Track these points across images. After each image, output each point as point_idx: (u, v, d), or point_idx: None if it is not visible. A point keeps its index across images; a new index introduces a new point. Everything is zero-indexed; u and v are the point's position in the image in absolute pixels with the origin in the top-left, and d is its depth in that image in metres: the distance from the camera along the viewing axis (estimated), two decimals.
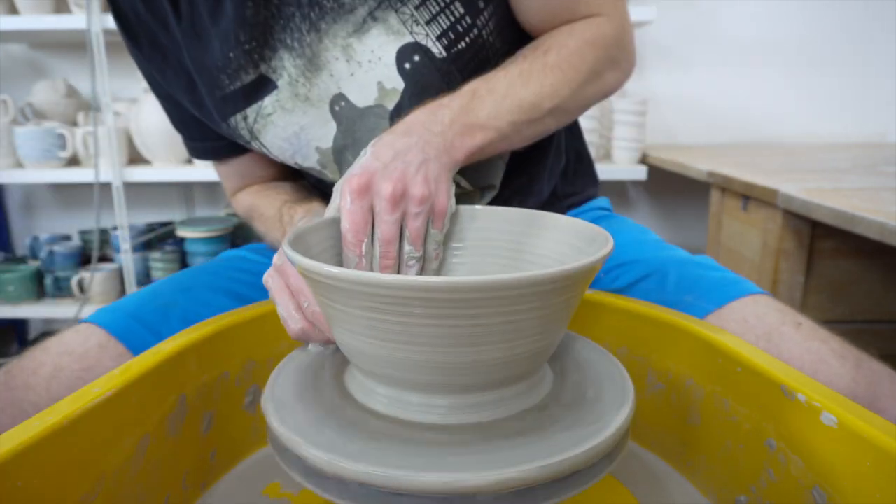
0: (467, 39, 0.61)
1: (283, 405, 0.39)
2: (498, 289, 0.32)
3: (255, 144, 0.66)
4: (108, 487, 0.40)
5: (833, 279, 1.13)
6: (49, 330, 2.08)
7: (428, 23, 0.59)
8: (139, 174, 1.68)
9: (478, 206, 0.52)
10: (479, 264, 0.51)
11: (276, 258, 0.47)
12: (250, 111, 0.64)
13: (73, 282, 1.73)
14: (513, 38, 0.65)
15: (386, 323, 0.34)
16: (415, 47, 0.60)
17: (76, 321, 1.70)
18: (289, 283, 0.45)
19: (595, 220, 0.77)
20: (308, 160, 0.66)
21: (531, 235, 0.49)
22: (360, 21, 0.59)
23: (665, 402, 0.54)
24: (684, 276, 0.62)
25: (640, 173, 1.67)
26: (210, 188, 2.02)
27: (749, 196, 1.21)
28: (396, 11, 0.59)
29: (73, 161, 1.74)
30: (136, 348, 0.57)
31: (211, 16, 0.61)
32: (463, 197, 0.69)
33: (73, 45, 1.84)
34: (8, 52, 1.93)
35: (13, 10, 1.66)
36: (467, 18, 0.60)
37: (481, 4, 0.60)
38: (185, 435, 0.49)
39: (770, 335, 0.54)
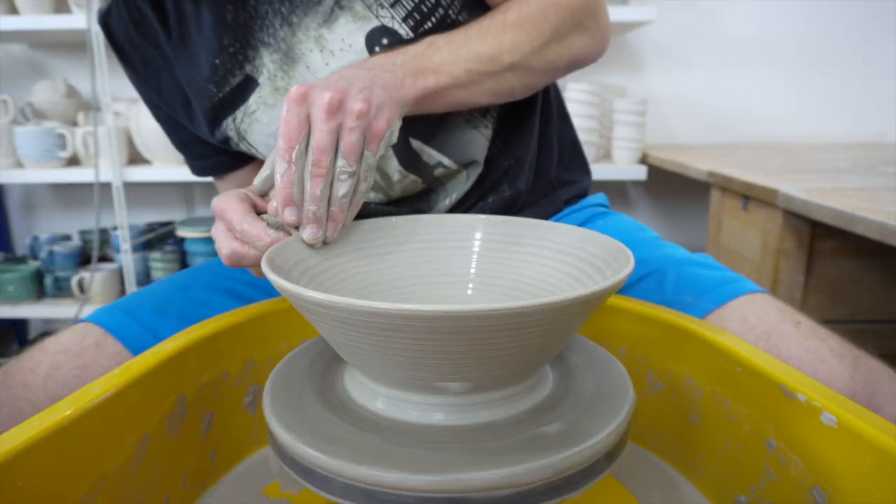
0: (433, 19, 0.61)
1: (283, 406, 0.39)
2: (505, 317, 0.31)
3: (243, 146, 0.67)
4: (108, 487, 0.40)
5: (833, 279, 1.13)
6: (49, 330, 2.08)
7: (392, 5, 0.60)
8: (139, 174, 1.68)
9: (481, 216, 0.52)
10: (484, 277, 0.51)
11: (213, 203, 0.48)
12: (238, 112, 0.65)
13: (73, 282, 1.73)
14: (481, 14, 0.64)
15: (385, 342, 0.34)
16: (382, 30, 0.60)
17: (76, 321, 1.70)
18: (223, 218, 0.46)
19: (592, 217, 0.77)
20: None
21: (538, 252, 0.49)
22: (328, 11, 0.60)
23: (665, 402, 0.54)
24: (683, 275, 0.62)
25: (640, 173, 1.67)
26: (210, 188, 2.02)
27: (749, 196, 1.21)
28: None
29: (73, 161, 1.74)
30: (133, 346, 0.57)
31: (197, 26, 0.63)
32: (448, 175, 0.69)
33: (73, 45, 1.84)
34: (8, 52, 1.93)
35: (13, 10, 1.66)
36: None
37: None
38: (185, 435, 0.48)
39: (769, 334, 0.54)
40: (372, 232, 0.50)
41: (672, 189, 1.96)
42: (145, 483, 0.44)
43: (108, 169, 1.65)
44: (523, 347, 0.34)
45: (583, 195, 0.81)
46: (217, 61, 0.63)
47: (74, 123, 1.78)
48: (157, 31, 0.65)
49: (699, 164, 1.42)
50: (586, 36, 0.64)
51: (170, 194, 2.01)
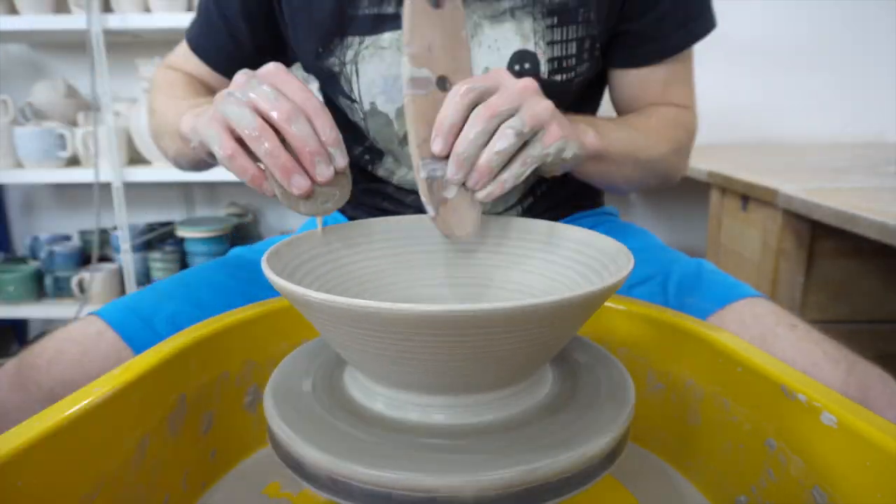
0: (562, 77, 0.66)
1: (283, 406, 0.39)
2: (505, 316, 0.31)
3: (347, 69, 0.67)
4: (108, 487, 0.40)
5: (833, 279, 1.13)
6: (49, 330, 2.08)
7: (549, 44, 0.64)
8: (139, 174, 1.68)
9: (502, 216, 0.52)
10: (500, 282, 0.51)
11: (267, 67, 0.45)
12: (368, 40, 0.65)
13: (73, 282, 1.73)
14: (588, 97, 0.75)
15: (385, 343, 0.34)
16: (531, 57, 0.64)
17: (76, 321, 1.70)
18: (275, 85, 0.43)
19: (599, 224, 0.77)
20: (387, 105, 0.67)
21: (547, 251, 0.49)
22: (500, 11, 0.64)
23: (665, 402, 0.54)
24: (686, 278, 0.63)
25: None
26: (210, 188, 2.02)
27: (749, 196, 1.21)
28: (534, 20, 0.64)
29: (73, 161, 1.74)
30: (129, 338, 0.58)
31: None
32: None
33: (73, 45, 1.84)
34: (8, 52, 1.93)
35: (13, 10, 1.66)
36: (573, 60, 0.66)
37: (586, 56, 0.66)
38: (185, 435, 0.48)
39: (765, 336, 0.55)
40: (372, 232, 0.51)
41: (672, 189, 1.96)
42: (145, 483, 0.44)
43: (108, 169, 1.65)
44: (523, 347, 0.34)
45: (595, 205, 0.83)
46: None
47: (74, 123, 1.78)
48: None
49: (699, 164, 1.42)
50: (686, 162, 0.74)
51: (170, 194, 2.01)
